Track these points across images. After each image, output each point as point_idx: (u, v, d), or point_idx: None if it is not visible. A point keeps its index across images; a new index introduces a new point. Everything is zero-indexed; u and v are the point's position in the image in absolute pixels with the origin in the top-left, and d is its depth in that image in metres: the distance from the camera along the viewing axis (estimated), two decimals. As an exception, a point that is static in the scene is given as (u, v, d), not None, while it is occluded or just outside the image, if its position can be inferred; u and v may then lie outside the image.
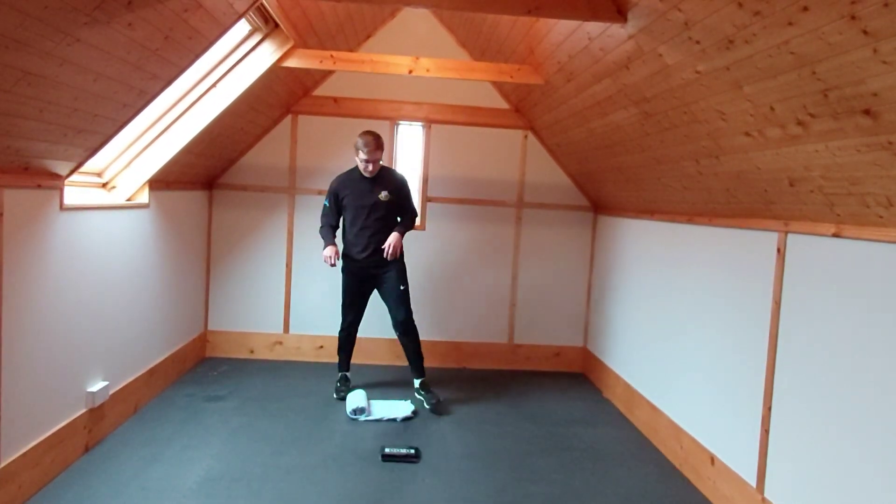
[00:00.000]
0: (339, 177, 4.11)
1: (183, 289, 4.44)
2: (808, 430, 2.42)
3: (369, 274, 4.11)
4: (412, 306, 4.14)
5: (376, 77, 4.88)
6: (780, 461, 2.57)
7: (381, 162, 3.98)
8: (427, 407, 3.83)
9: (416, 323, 4.14)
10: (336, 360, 4.49)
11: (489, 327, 5.15)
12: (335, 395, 4.20)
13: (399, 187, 4.09)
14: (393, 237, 3.99)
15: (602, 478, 3.21)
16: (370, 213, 4.01)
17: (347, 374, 4.37)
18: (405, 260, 4.17)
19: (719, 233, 3.16)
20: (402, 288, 4.06)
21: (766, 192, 2.58)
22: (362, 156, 3.88)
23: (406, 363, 4.72)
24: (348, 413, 3.86)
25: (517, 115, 5.03)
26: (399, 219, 4.12)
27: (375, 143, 3.87)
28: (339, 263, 4.09)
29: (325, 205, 4.10)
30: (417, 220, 5.05)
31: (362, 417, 3.82)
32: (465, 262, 5.09)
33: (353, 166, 4.10)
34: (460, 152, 5.04)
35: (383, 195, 4.00)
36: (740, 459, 2.85)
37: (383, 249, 3.97)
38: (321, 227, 4.09)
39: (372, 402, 4.00)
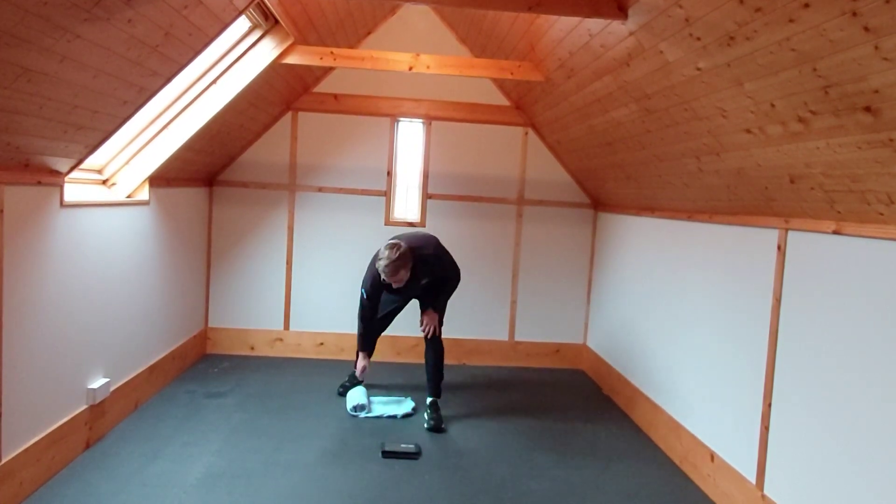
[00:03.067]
0: (377, 272, 3.60)
1: (183, 286, 4.45)
2: (808, 427, 2.42)
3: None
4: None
5: (377, 74, 4.87)
6: (779, 458, 2.58)
7: (408, 273, 3.55)
8: (425, 425, 3.71)
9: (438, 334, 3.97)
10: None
11: (489, 324, 5.15)
12: (338, 389, 4.23)
13: (439, 268, 3.79)
14: (430, 317, 3.84)
15: (602, 474, 3.21)
16: (415, 294, 3.91)
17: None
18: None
19: (720, 230, 3.16)
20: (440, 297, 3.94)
21: (767, 189, 2.58)
22: (385, 278, 3.55)
23: (407, 360, 4.74)
24: (348, 410, 3.86)
25: (518, 112, 5.03)
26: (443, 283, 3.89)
27: (393, 269, 3.45)
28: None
29: (362, 294, 3.81)
30: (416, 215, 5.06)
31: (362, 414, 3.82)
32: (465, 259, 5.08)
33: None
34: (461, 149, 5.03)
35: (424, 281, 3.76)
36: (740, 456, 2.85)
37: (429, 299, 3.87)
38: (360, 327, 3.89)
39: (372, 398, 4.00)
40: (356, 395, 3.94)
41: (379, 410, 3.87)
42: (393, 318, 4.18)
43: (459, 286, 5.01)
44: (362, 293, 3.83)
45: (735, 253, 3.01)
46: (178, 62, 2.76)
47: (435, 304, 3.91)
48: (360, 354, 3.97)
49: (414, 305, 4.09)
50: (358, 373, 3.96)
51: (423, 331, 3.87)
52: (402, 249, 3.48)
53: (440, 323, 3.93)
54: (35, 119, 2.31)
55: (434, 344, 3.89)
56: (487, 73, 4.10)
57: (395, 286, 3.63)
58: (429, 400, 3.84)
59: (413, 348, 4.98)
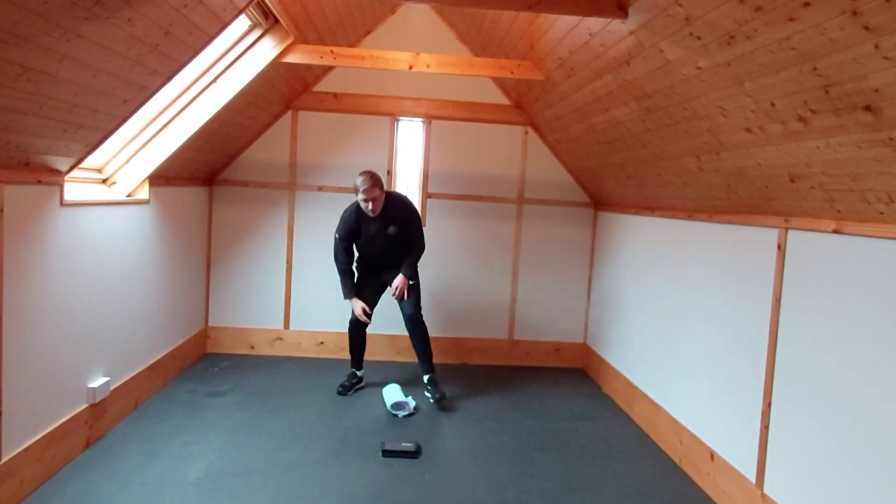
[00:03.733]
0: (349, 211, 4.03)
1: (183, 285, 4.45)
2: (807, 426, 2.42)
3: (382, 280, 4.22)
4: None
5: (376, 73, 4.87)
6: (779, 457, 2.58)
7: (382, 198, 3.89)
8: (431, 401, 3.96)
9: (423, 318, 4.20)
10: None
11: (489, 323, 5.15)
12: (338, 389, 4.24)
13: (407, 221, 4.04)
14: (399, 280, 4.04)
15: (602, 473, 3.22)
16: (380, 246, 4.06)
17: (357, 371, 4.38)
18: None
19: (720, 229, 3.16)
20: (411, 283, 4.11)
21: (767, 189, 2.58)
22: (361, 196, 3.83)
23: (406, 359, 4.74)
24: (388, 408, 3.86)
25: (518, 111, 5.03)
26: (409, 248, 4.13)
27: (371, 182, 3.80)
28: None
29: (335, 237, 4.07)
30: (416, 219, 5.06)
31: (402, 413, 3.83)
32: (465, 259, 5.10)
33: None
34: (461, 148, 5.03)
35: (391, 230, 3.99)
36: (740, 455, 2.85)
37: (395, 266, 4.08)
38: (339, 269, 4.10)
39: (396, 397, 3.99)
40: (394, 393, 3.94)
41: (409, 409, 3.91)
42: (375, 303, 4.24)
43: (459, 285, 5.06)
44: (335, 237, 4.08)
45: (735, 252, 3.01)
46: (178, 61, 2.76)
47: (402, 269, 4.07)
48: (352, 301, 4.09)
49: (395, 308, 4.13)
50: (359, 313, 4.05)
51: (395, 295, 4.04)
52: (376, 174, 3.87)
53: (418, 307, 4.12)
54: (35, 118, 2.31)
55: (418, 328, 4.11)
56: (487, 72, 4.10)
57: (370, 207, 3.84)
58: (426, 377, 4.07)
59: (412, 348, 4.97)
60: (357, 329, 4.25)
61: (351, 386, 4.24)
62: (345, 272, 4.08)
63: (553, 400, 4.33)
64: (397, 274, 4.08)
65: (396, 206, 4.00)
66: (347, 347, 4.97)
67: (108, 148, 3.40)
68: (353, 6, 4.14)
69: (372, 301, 4.20)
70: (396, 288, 4.03)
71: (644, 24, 2.46)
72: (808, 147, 2.15)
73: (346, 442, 3.42)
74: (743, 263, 2.93)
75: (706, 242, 3.29)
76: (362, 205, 3.87)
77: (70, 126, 2.54)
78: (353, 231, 4.01)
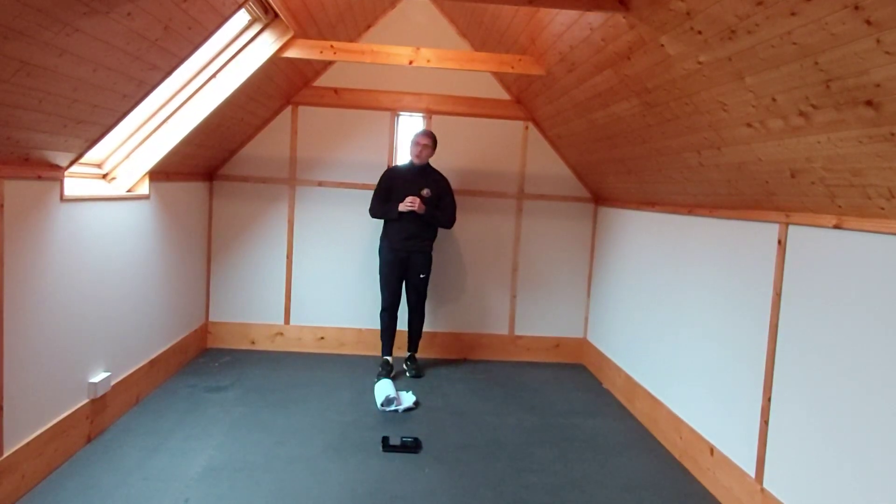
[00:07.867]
0: (393, 167, 4.65)
1: (184, 280, 4.45)
2: (807, 422, 2.43)
3: (401, 258, 4.46)
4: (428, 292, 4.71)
5: (377, 68, 4.86)
6: (779, 452, 2.58)
7: (430, 152, 4.43)
8: (408, 375, 4.54)
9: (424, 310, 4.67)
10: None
11: (490, 318, 5.15)
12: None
13: (442, 190, 4.46)
14: (419, 204, 4.30)
15: (602, 468, 3.22)
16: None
17: (388, 359, 4.56)
18: (433, 255, 4.60)
19: (720, 224, 3.16)
20: (421, 276, 4.49)
21: (768, 184, 2.57)
22: (414, 138, 4.39)
23: (404, 354, 4.76)
24: (379, 406, 3.87)
25: (518, 106, 5.02)
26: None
27: (427, 134, 4.42)
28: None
29: (375, 189, 4.54)
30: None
31: (390, 408, 3.84)
32: (465, 254, 5.10)
33: (407, 161, 4.54)
34: (461, 143, 5.02)
35: (425, 192, 4.37)
36: (740, 450, 2.86)
37: (418, 237, 4.41)
38: (374, 209, 4.48)
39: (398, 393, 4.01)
40: (385, 388, 3.96)
41: (406, 403, 3.91)
42: (400, 287, 4.56)
43: (459, 280, 5.07)
44: (373, 196, 4.52)
45: (735, 247, 3.00)
46: (178, 56, 2.76)
47: (429, 208, 4.39)
48: (400, 205, 4.31)
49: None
50: (411, 200, 4.28)
51: (409, 201, 4.28)
52: (431, 131, 4.48)
53: (424, 297, 4.56)
54: (35, 113, 2.31)
55: (419, 314, 4.60)
56: (488, 68, 4.09)
57: (416, 151, 4.36)
58: (409, 354, 4.66)
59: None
60: (388, 314, 4.53)
61: (386, 375, 4.39)
62: (381, 207, 4.42)
63: (553, 395, 4.34)
64: (418, 255, 4.44)
65: (438, 176, 4.48)
66: (348, 343, 5.02)
67: (108, 143, 3.40)
68: (353, 0, 4.12)
69: (396, 290, 4.51)
70: (416, 199, 4.28)
71: (645, 18, 2.45)
72: (808, 142, 2.14)
73: (346, 437, 3.43)
74: (743, 259, 2.93)
75: (707, 238, 3.29)
76: (411, 149, 4.39)
77: (70, 121, 2.54)
78: (389, 180, 4.44)
